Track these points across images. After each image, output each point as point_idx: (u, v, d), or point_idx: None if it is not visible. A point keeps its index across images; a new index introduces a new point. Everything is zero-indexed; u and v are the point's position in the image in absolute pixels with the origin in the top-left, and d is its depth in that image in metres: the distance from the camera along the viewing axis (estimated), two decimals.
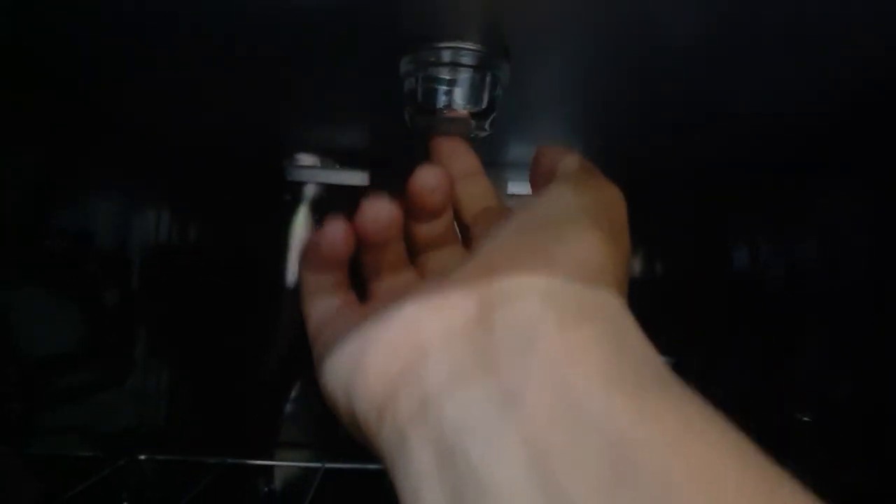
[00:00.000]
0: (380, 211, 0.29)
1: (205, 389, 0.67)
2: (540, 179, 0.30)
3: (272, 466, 0.66)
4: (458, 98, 0.30)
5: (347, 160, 0.62)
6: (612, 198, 0.27)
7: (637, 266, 0.70)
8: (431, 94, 0.30)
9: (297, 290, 0.62)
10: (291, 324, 0.68)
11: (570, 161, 0.28)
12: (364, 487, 0.63)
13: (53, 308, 0.52)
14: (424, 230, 0.32)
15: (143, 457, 0.60)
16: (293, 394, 0.66)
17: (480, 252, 0.24)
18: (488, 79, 0.30)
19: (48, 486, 0.50)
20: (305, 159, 0.63)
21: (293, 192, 0.66)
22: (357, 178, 0.63)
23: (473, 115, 0.30)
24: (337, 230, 0.29)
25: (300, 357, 0.66)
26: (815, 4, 0.26)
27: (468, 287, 0.22)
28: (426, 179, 0.29)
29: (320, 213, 0.66)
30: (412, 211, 0.31)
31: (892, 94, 0.40)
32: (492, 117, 0.31)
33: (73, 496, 0.52)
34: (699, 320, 0.66)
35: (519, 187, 0.65)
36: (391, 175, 0.64)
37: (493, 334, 0.21)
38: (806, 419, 0.55)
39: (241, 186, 0.66)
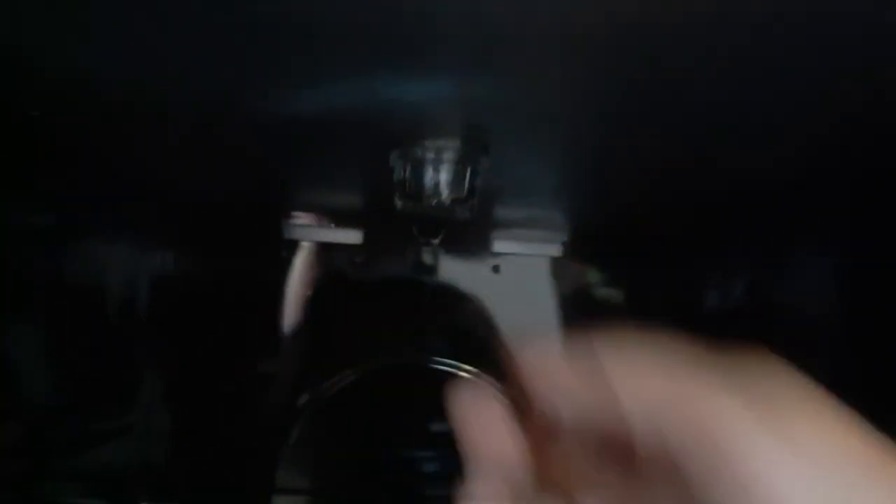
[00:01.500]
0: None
1: (205, 436, 0.69)
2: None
3: None
4: (442, 187, 0.33)
5: (342, 220, 0.66)
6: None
7: (610, 308, 0.73)
8: (418, 183, 0.33)
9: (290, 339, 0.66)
10: (287, 371, 0.70)
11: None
12: None
13: (59, 358, 0.54)
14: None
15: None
16: (290, 441, 0.69)
17: None
18: (469, 170, 0.33)
19: None
20: (302, 218, 0.66)
21: (289, 249, 0.69)
22: (351, 236, 0.66)
23: (455, 202, 0.34)
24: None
25: (295, 404, 0.68)
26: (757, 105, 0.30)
27: None
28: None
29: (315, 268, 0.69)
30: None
31: (846, 169, 0.44)
32: (472, 202, 0.34)
33: None
34: None
35: (504, 245, 0.68)
36: (383, 234, 0.67)
37: None
38: None
39: (241, 242, 0.69)
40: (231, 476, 0.69)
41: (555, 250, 0.70)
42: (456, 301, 0.71)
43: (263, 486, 0.67)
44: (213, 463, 0.69)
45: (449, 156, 0.33)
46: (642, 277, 0.73)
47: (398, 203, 0.35)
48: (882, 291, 0.46)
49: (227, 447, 0.69)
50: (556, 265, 0.71)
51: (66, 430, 0.55)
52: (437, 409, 0.74)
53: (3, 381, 0.48)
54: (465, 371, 0.68)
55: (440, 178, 0.33)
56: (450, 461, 0.69)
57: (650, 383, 0.19)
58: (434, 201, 0.33)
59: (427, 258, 0.71)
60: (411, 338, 0.71)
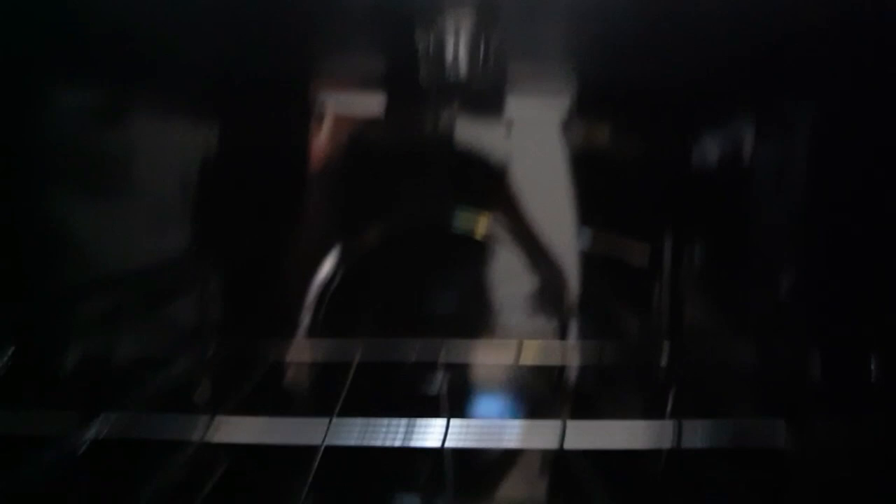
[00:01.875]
0: None
1: (251, 285, 0.78)
2: None
3: (311, 362, 0.78)
4: (462, 55, 0.38)
5: (366, 88, 0.71)
6: None
7: (615, 155, 0.79)
8: (440, 54, 0.38)
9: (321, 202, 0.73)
10: (317, 220, 0.79)
11: None
12: (395, 380, 0.75)
13: (124, 226, 0.61)
14: None
15: (212, 347, 0.72)
16: (331, 285, 0.77)
17: None
18: (484, 38, 0.38)
19: (134, 379, 0.61)
20: (328, 84, 0.71)
21: (319, 116, 0.75)
22: (375, 102, 0.72)
23: (473, 69, 0.39)
24: None
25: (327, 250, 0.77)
26: None
27: None
28: None
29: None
30: None
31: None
32: (489, 68, 0.40)
33: (156, 388, 0.63)
34: (672, 209, 0.76)
35: (516, 107, 0.73)
36: (406, 99, 0.72)
37: None
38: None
39: (273, 112, 0.75)
40: (273, 321, 0.78)
41: (563, 109, 0.75)
42: (473, 159, 0.77)
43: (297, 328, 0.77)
44: (262, 310, 0.78)
45: (465, 27, 0.37)
46: (645, 136, 0.78)
47: (423, 73, 0.40)
48: (863, 156, 0.50)
49: (272, 294, 0.78)
50: (565, 124, 0.77)
51: (138, 290, 0.63)
52: (458, 265, 0.82)
53: (65, 252, 0.54)
54: (488, 230, 0.76)
55: (459, 48, 0.38)
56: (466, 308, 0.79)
57: None
58: (454, 70, 0.39)
59: (445, 120, 0.76)
60: (433, 196, 0.78)
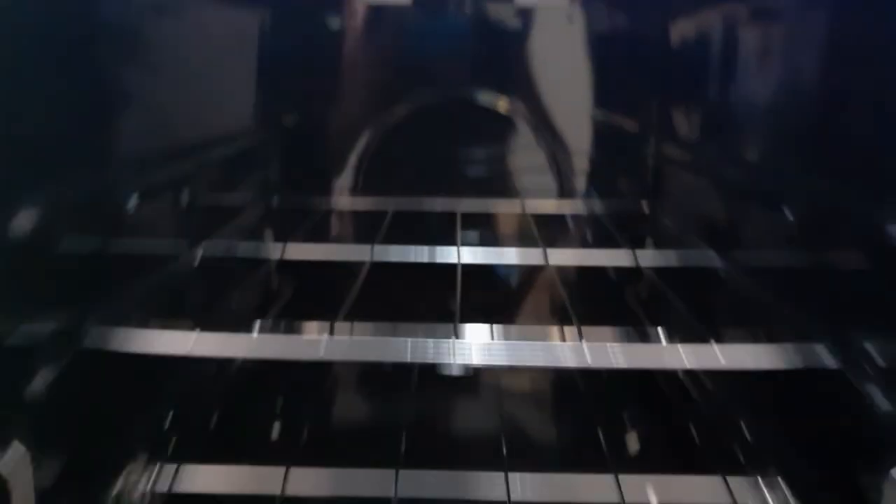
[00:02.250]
0: None
1: (302, 149, 0.96)
2: None
3: (354, 211, 0.96)
4: None
5: None
6: None
7: (613, 39, 0.93)
8: None
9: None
10: (355, 94, 0.95)
11: None
12: (424, 224, 0.92)
13: (204, 103, 0.76)
14: None
15: (275, 198, 0.90)
16: (367, 147, 0.94)
17: None
18: None
19: (217, 220, 0.78)
20: None
21: (352, 6, 0.89)
22: None
23: None
24: None
25: (367, 118, 0.94)
26: None
27: None
28: None
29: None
30: None
31: None
32: None
33: (235, 225, 0.80)
34: (657, 87, 0.90)
35: None
36: None
37: None
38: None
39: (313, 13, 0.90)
40: (322, 180, 0.96)
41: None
42: (491, 41, 0.91)
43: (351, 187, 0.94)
44: (313, 168, 0.96)
45: None
46: (632, 20, 0.90)
47: None
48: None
49: (321, 156, 0.96)
50: (572, 13, 0.90)
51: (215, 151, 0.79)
52: (480, 136, 1.00)
53: (164, 125, 0.69)
54: (503, 104, 0.91)
55: None
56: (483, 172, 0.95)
57: None
58: None
59: (465, 7, 0.89)
60: (456, 76, 0.93)
